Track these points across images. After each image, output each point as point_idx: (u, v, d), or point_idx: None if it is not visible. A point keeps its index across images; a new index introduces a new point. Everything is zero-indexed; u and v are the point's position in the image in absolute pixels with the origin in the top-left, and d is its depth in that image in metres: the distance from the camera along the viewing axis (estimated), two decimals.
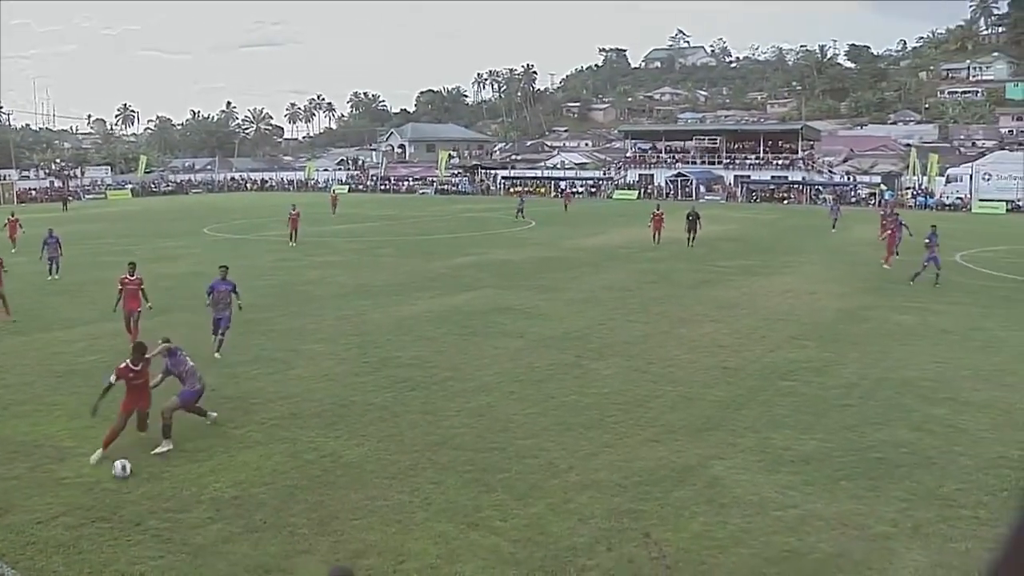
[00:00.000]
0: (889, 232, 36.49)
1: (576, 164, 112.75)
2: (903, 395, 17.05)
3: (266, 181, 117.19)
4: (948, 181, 76.52)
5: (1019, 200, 70.90)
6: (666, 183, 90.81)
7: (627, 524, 11.02)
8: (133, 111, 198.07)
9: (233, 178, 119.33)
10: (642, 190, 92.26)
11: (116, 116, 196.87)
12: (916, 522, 11.20)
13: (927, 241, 30.97)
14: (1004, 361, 19.96)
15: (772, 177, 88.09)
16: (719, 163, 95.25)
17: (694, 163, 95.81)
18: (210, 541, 10.48)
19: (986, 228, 40.93)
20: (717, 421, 15.36)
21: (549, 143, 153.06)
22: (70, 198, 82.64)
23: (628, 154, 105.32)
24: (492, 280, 31.96)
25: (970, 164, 79.56)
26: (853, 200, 76.05)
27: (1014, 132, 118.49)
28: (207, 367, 16.95)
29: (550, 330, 23.01)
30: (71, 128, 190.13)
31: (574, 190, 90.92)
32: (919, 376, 18.49)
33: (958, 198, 73.70)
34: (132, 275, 21.32)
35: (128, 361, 13.66)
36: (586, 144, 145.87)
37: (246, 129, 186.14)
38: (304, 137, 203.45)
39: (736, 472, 12.92)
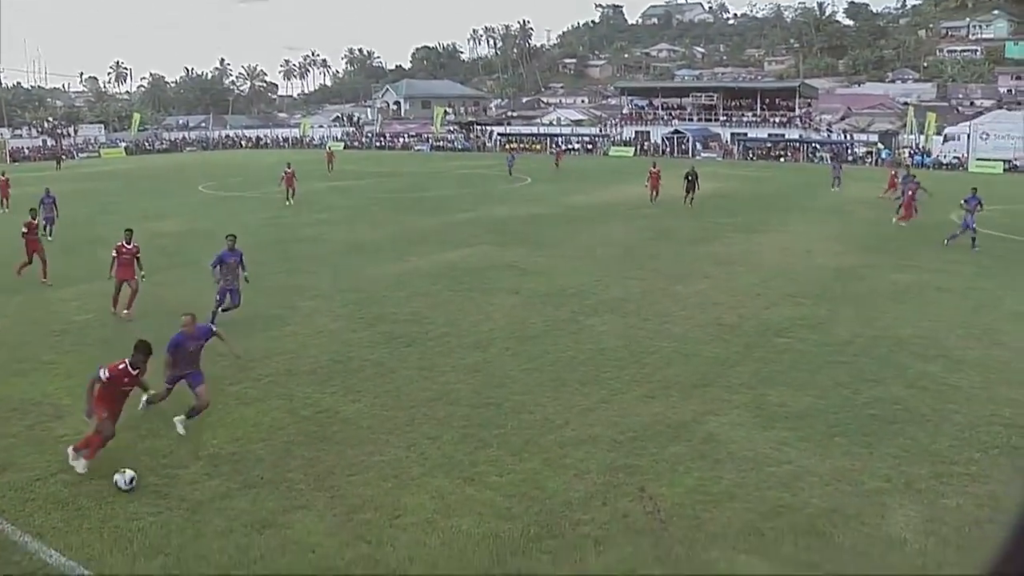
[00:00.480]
0: (909, 193, 36.39)
1: (572, 121, 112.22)
2: (897, 353, 17.10)
3: (261, 139, 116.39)
4: (945, 140, 76.12)
5: (1016, 160, 70.64)
6: (662, 140, 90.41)
7: (622, 479, 11.09)
8: (126, 68, 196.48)
9: (227, 136, 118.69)
10: (638, 147, 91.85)
11: (109, 74, 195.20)
12: (909, 478, 11.28)
13: (965, 204, 30.85)
14: (998, 320, 20.00)
15: (769, 135, 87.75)
16: (716, 120, 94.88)
17: (691, 120, 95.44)
18: (208, 497, 10.54)
19: (983, 188, 40.78)
20: (712, 377, 15.43)
21: (545, 100, 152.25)
22: (63, 157, 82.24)
23: (624, 111, 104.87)
24: (488, 236, 31.94)
25: (968, 123, 79.17)
26: (850, 159, 75.70)
27: (1013, 91, 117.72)
28: None
29: (546, 286, 23.02)
30: (63, 86, 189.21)
31: (568, 147, 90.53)
32: (914, 334, 18.54)
33: (955, 157, 73.35)
34: (128, 243, 20.06)
35: (127, 361, 11.49)
36: (582, 101, 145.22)
37: (240, 86, 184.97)
38: (299, 94, 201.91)
39: (731, 428, 12.99)
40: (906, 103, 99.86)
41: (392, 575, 8.90)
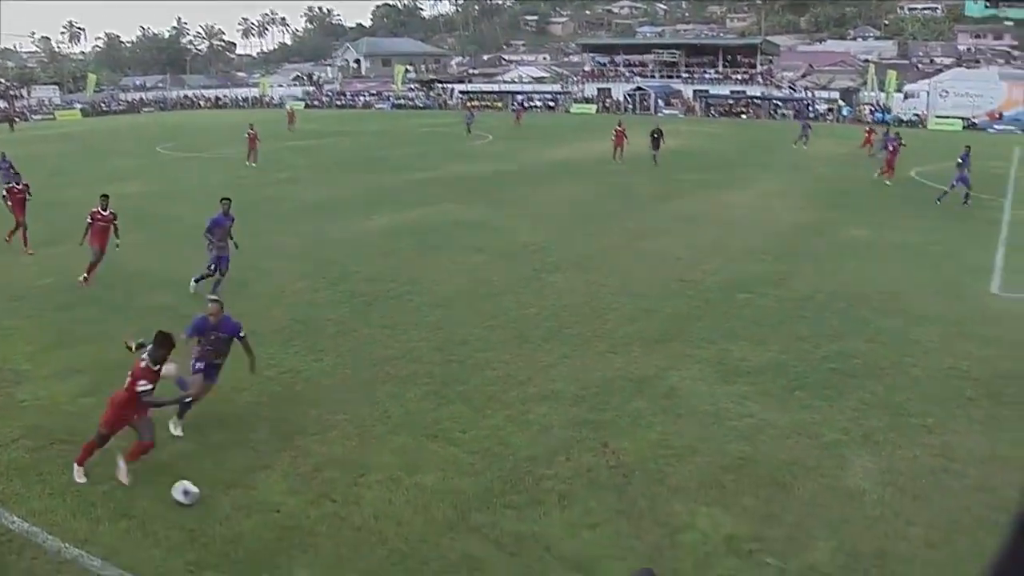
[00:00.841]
0: (890, 149, 36.84)
1: (533, 78, 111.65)
2: (857, 308, 17.28)
3: (220, 99, 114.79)
4: (906, 97, 76.61)
5: (975, 117, 71.20)
6: (625, 97, 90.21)
7: (585, 434, 11.16)
8: (79, 28, 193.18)
9: (186, 96, 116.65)
10: (600, 104, 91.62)
11: (62, 34, 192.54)
12: (867, 430, 11.45)
13: (959, 161, 31.21)
14: (956, 275, 20.25)
15: (731, 92, 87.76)
16: (678, 77, 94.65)
17: (652, 77, 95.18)
18: (172, 459, 10.47)
19: (943, 145, 41.38)
20: (674, 333, 15.53)
21: (506, 57, 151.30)
22: (16, 119, 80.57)
23: (586, 68, 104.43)
24: (449, 195, 31.78)
25: (927, 81, 79.63)
26: (812, 116, 75.99)
27: (972, 50, 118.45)
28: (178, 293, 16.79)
29: (508, 244, 23.01)
30: (14, 46, 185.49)
31: (529, 105, 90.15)
32: (873, 289, 18.73)
33: (915, 115, 73.81)
34: (104, 210, 18.94)
35: (146, 358, 9.91)
36: (544, 58, 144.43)
37: (198, 46, 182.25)
38: (258, 53, 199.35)
39: (692, 382, 13.10)
40: (867, 61, 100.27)
41: (357, 532, 8.92)
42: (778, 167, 41.77)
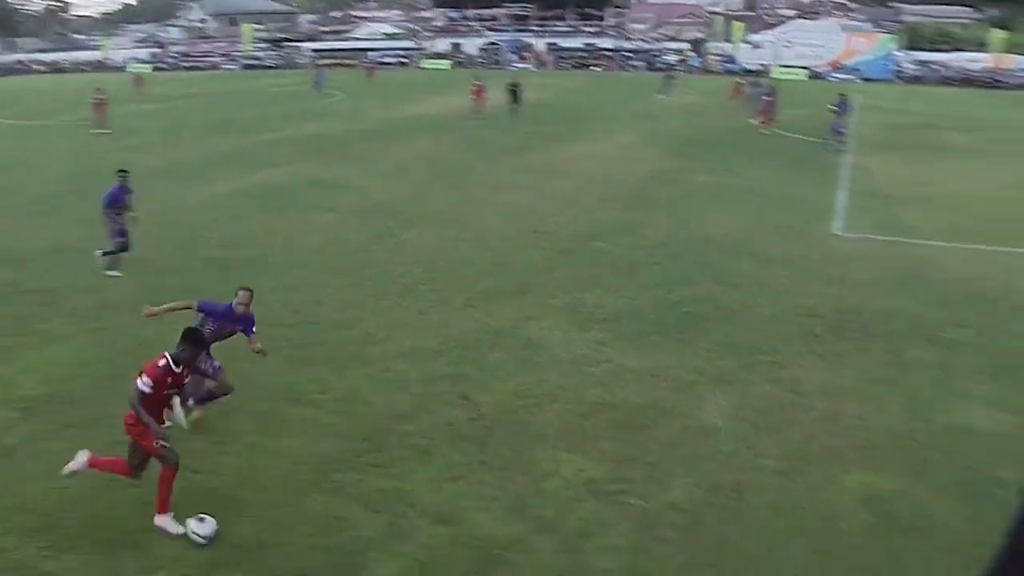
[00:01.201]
0: (765, 99, 37.94)
1: (385, 34, 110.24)
2: (708, 252, 17.71)
3: (59, 63, 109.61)
4: (752, 48, 78.59)
5: (818, 67, 73.56)
6: (478, 52, 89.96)
7: (445, 388, 11.13)
8: None
9: (20, 61, 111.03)
10: (454, 60, 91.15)
11: None
12: (720, 370, 11.77)
13: (836, 109, 32.21)
14: (801, 218, 20.95)
15: (584, 44, 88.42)
16: (530, 31, 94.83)
17: (505, 31, 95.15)
18: (21, 441, 9.94)
19: (788, 94, 42.91)
20: (530, 284, 15.60)
21: (357, 14, 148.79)
22: None
23: (438, 23, 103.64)
24: (301, 155, 31.11)
25: (772, 31, 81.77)
26: (662, 67, 77.25)
27: (812, 2, 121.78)
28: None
29: (362, 202, 22.71)
30: None
31: (381, 61, 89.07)
32: (724, 233, 19.21)
33: (760, 64, 75.77)
34: None
35: (167, 356, 8.30)
36: (396, 14, 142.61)
37: (29, 5, 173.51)
38: (100, 14, 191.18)
39: (550, 331, 13.20)
40: (715, 12, 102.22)
41: (223, 501, 8.69)
42: (631, 117, 42.34)
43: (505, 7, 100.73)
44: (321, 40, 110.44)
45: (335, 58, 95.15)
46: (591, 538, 8.11)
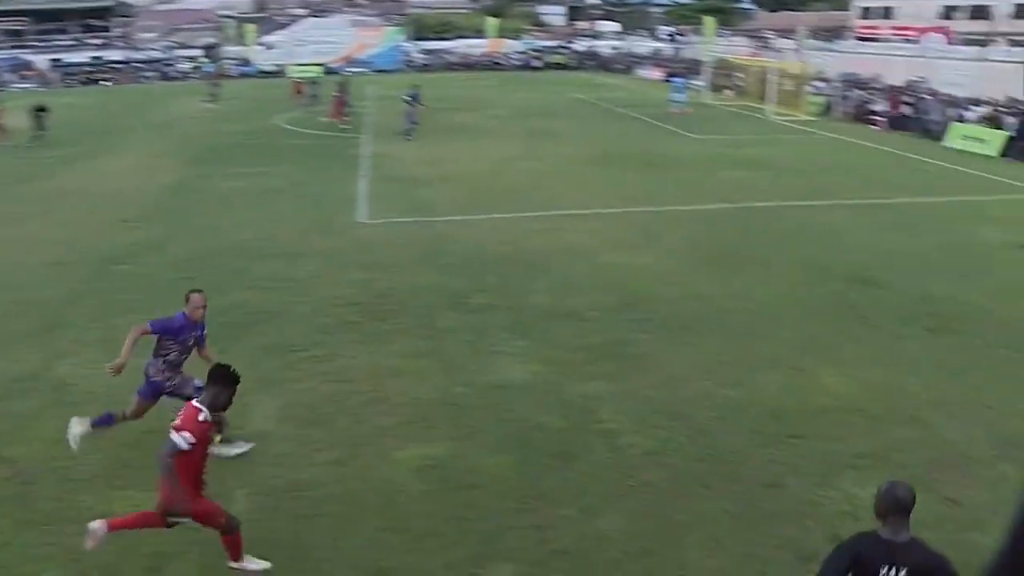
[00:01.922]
0: (336, 96, 38.86)
1: None
2: (239, 258, 17.60)
3: None
4: (267, 49, 78.81)
5: (332, 62, 75.43)
6: None
7: None
8: None
9: None
10: None
11: None
12: (263, 373, 11.73)
13: (409, 100, 34.57)
14: (326, 210, 21.70)
15: (91, 58, 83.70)
16: (29, 47, 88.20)
17: (1, 48, 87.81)
18: None
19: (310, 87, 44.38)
20: (57, 320, 14.44)
21: None
22: None
23: None
24: None
25: (284, 31, 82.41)
26: (176, 76, 75.33)
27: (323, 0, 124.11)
28: None
29: None
30: None
31: None
32: (254, 237, 19.20)
33: (276, 64, 76.13)
34: None
35: (201, 406, 7.12)
36: None
37: None
38: None
39: (85, 367, 12.30)
40: (226, 15, 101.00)
41: None
42: (146, 129, 40.45)
43: None
44: None
45: None
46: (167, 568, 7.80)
